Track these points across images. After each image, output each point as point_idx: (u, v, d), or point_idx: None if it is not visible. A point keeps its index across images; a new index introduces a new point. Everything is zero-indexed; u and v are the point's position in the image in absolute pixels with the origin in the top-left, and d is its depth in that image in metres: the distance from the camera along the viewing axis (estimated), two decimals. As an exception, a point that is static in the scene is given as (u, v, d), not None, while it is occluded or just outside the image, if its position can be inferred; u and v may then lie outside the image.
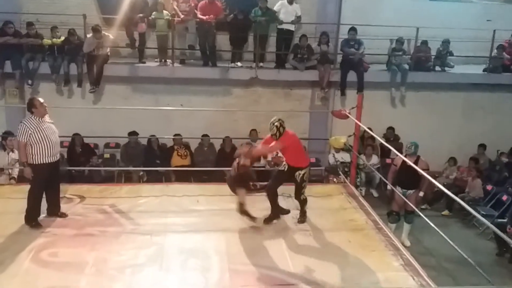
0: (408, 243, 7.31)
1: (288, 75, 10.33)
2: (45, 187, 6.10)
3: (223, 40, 10.43)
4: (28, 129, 5.80)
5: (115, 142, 10.11)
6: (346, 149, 9.21)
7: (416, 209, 6.72)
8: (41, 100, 5.95)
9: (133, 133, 9.62)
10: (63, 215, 6.23)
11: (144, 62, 10.07)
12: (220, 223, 6.30)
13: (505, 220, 7.97)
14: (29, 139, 5.80)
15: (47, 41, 9.45)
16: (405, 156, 7.26)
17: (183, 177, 8.60)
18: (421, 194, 7.52)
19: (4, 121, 9.83)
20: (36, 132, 5.81)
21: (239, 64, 10.21)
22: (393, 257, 5.64)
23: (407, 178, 7.34)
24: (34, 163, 5.88)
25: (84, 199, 6.90)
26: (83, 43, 9.35)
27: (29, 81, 9.54)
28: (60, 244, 5.58)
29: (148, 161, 9.30)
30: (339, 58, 10.47)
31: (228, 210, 6.59)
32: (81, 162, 9.17)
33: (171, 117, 9.92)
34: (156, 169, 8.78)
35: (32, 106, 5.90)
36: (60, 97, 9.97)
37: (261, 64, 10.22)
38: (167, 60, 10.01)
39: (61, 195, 6.45)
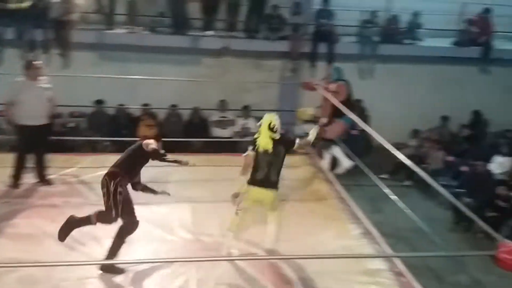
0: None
1: (259, 45, 10.26)
2: (28, 152, 6.20)
3: (194, 8, 10.28)
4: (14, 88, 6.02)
5: (81, 111, 9.97)
6: (314, 120, 9.28)
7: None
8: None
9: (99, 102, 9.50)
10: (47, 183, 6.33)
11: (113, 29, 9.87)
12: (187, 194, 6.33)
13: (463, 190, 8.29)
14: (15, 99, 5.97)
15: (12, 5, 9.14)
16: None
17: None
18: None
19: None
20: (23, 93, 5.97)
21: (210, 33, 10.09)
22: (353, 225, 5.84)
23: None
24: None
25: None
26: (50, 8, 9.10)
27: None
28: (21, 215, 5.57)
29: (114, 131, 9.21)
30: (311, 29, 10.44)
31: (195, 181, 6.66)
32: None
33: (139, 86, 9.81)
34: (122, 139, 8.70)
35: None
36: (25, 63, 9.72)
37: (232, 33, 10.12)
38: (136, 27, 9.83)
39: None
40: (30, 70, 6.08)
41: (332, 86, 6.75)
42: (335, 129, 7.06)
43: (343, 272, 4.84)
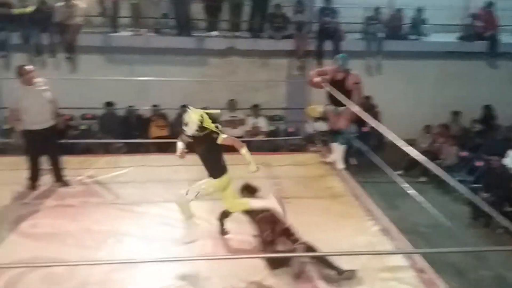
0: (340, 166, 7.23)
1: (264, 44, 10.27)
2: (38, 155, 6.17)
3: (198, 9, 10.27)
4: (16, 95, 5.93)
5: (92, 114, 9.97)
6: (324, 118, 9.24)
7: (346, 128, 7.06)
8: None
9: (109, 104, 9.49)
10: (64, 184, 6.31)
11: (117, 32, 9.87)
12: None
13: (479, 185, 8.24)
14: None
15: (16, 10, 9.14)
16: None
17: (162, 148, 8.56)
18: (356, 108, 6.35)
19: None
20: (23, 99, 5.89)
21: (214, 33, 10.08)
22: (370, 222, 5.73)
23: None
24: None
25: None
26: (54, 12, 9.11)
27: (1, 53, 9.26)
28: (41, 215, 5.56)
29: (125, 132, 9.21)
30: (315, 27, 10.44)
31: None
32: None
33: (147, 87, 9.80)
34: (136, 141, 8.71)
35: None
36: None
37: (237, 33, 10.12)
38: (141, 29, 9.83)
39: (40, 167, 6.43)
40: (24, 75, 5.93)
41: (354, 77, 6.76)
42: (344, 119, 7.05)
43: (363, 269, 4.73)
